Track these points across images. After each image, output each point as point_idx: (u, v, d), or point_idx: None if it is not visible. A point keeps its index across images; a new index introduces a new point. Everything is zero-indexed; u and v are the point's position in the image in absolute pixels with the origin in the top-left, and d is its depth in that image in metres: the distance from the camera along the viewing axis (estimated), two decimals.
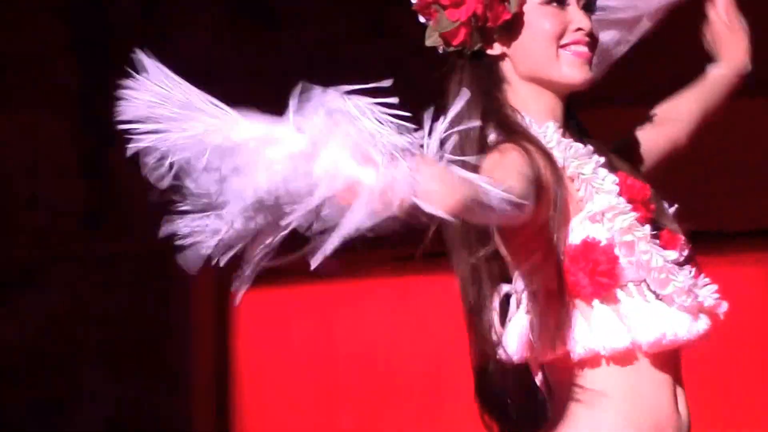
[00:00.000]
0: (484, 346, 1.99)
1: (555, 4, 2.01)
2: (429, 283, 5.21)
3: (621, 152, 2.14)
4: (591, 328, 1.94)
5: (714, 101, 2.29)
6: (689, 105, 2.29)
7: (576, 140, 2.03)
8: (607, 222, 1.96)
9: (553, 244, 1.92)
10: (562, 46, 2.01)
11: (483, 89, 1.99)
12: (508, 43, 2.02)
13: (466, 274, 1.99)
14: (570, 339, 1.94)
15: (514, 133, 1.95)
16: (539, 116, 2.02)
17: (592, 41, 2.04)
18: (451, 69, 2.02)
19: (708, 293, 2.01)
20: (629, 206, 1.97)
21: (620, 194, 1.98)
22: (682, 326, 1.96)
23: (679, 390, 2.03)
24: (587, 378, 1.96)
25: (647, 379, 1.97)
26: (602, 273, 1.94)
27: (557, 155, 1.97)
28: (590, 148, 2.02)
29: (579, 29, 2.01)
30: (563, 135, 2.02)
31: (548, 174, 1.91)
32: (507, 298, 2.01)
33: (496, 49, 2.02)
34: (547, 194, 1.89)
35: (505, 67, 2.03)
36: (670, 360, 2.00)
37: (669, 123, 2.27)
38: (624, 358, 1.95)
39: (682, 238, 2.05)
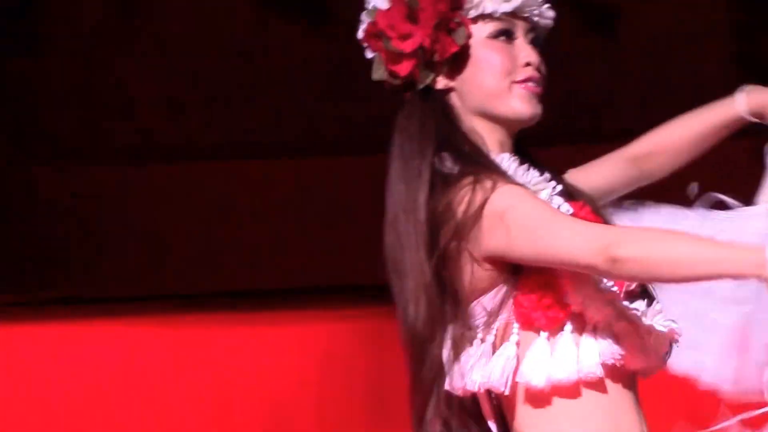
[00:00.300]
0: (431, 375, 1.98)
1: (503, 38, 2.00)
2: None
3: (578, 182, 2.14)
4: (547, 358, 1.94)
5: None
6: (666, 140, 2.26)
7: (531, 169, 2.02)
8: None
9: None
10: (516, 82, 2.00)
11: (436, 123, 1.98)
12: (457, 77, 2.00)
13: (416, 302, 1.96)
14: (527, 370, 1.95)
15: (479, 164, 1.95)
16: (491, 150, 2.01)
17: (541, 76, 2.02)
18: (400, 104, 2.01)
19: (661, 321, 2.01)
20: None
21: None
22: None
23: (639, 410, 2.04)
24: (553, 406, 1.97)
25: (612, 401, 1.98)
26: (553, 305, 1.95)
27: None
28: (547, 175, 2.02)
29: (528, 64, 2.00)
30: (519, 164, 2.01)
31: None
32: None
33: (444, 83, 2.00)
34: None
35: (454, 101, 2.01)
36: (629, 382, 2.02)
37: (655, 156, 2.25)
38: (583, 384, 1.96)
39: None
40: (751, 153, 2.40)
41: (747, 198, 2.27)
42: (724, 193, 2.26)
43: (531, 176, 2.00)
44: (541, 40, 2.05)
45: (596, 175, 2.22)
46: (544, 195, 1.98)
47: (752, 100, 2.19)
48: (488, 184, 1.89)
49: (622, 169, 2.24)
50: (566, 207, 1.99)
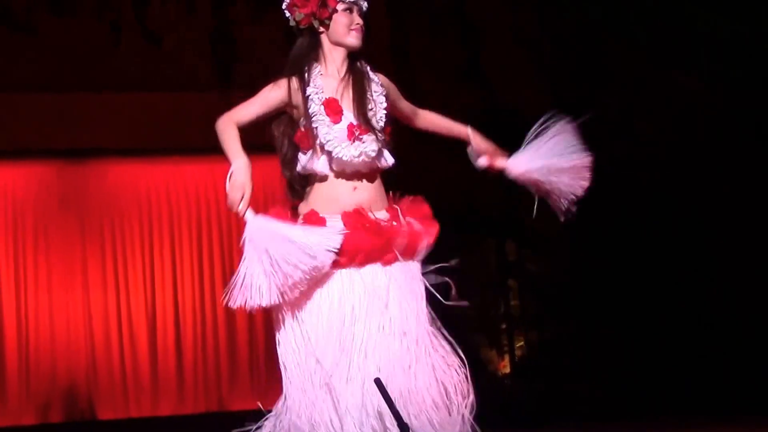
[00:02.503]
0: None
1: (348, 12, 4.33)
2: None
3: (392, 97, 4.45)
4: None
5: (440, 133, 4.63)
6: (435, 122, 4.61)
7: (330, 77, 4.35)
8: None
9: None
10: (351, 29, 4.32)
11: (312, 43, 4.36)
12: (327, 26, 4.33)
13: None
14: None
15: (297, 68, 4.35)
16: (336, 59, 4.36)
17: (363, 28, 4.33)
18: (299, 36, 4.39)
19: None
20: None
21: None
22: None
23: None
24: None
25: None
26: None
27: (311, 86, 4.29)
28: (338, 78, 4.35)
29: (357, 23, 4.33)
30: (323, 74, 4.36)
31: (296, 98, 4.28)
32: None
33: (321, 29, 4.34)
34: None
35: (323, 37, 4.35)
36: None
37: (417, 116, 4.56)
38: None
39: None
40: None
41: None
42: None
43: (315, 85, 4.28)
44: (363, 11, 4.39)
45: (402, 103, 4.50)
46: (314, 97, 4.25)
47: (474, 139, 4.55)
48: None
49: (409, 111, 4.54)
50: (318, 103, 4.25)
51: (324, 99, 4.22)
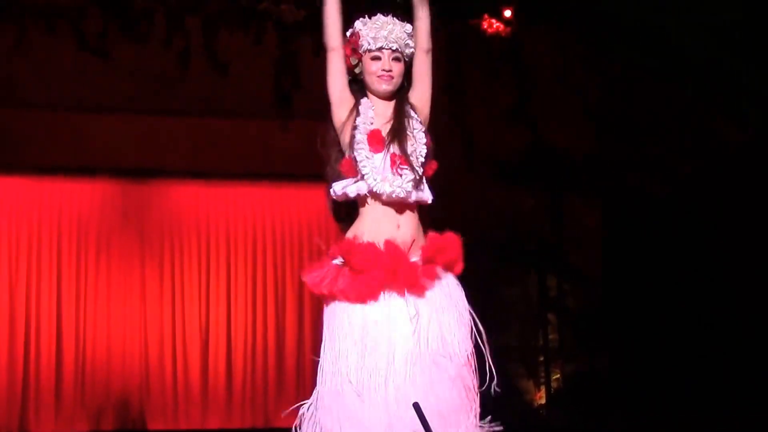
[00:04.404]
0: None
1: (375, 59, 4.46)
2: None
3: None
4: None
5: None
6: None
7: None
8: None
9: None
10: (378, 76, 4.46)
11: (360, 87, 4.53)
12: (361, 73, 4.51)
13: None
14: None
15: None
16: (377, 99, 4.49)
17: (391, 75, 4.47)
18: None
19: None
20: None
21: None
22: None
23: None
24: None
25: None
26: None
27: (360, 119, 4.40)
28: (381, 118, 4.44)
29: (384, 70, 4.45)
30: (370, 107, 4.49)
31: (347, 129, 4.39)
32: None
33: (361, 75, 4.52)
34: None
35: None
36: None
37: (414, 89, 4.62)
38: None
39: None
40: None
41: None
42: None
43: (364, 118, 4.40)
44: (399, 54, 4.50)
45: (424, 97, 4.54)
46: (361, 124, 4.39)
47: None
48: None
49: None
50: (363, 132, 4.37)
51: (369, 130, 4.35)
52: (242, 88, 10.29)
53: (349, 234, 4.34)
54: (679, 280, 10.16)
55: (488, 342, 4.31)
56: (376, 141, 4.33)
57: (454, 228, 4.39)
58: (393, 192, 4.27)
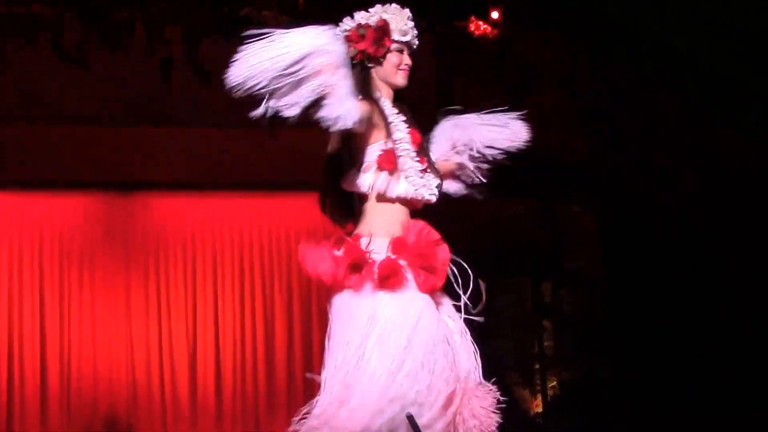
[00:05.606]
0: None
1: (399, 52, 4.44)
2: None
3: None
4: None
5: None
6: None
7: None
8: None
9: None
10: (399, 69, 4.45)
11: (365, 77, 4.40)
12: (379, 64, 4.45)
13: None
14: None
15: (371, 96, 4.34)
16: (384, 94, 4.43)
17: (409, 68, 4.47)
18: (355, 67, 4.33)
19: None
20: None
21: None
22: None
23: None
24: None
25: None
26: None
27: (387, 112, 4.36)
28: (403, 118, 4.42)
29: (407, 64, 4.46)
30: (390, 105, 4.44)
31: (378, 118, 4.30)
32: None
33: (371, 64, 4.44)
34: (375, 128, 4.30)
35: (374, 72, 4.46)
36: None
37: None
38: None
39: None
40: None
41: None
42: None
43: (391, 112, 4.37)
44: (411, 48, 4.50)
45: None
46: (398, 123, 4.38)
47: None
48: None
49: None
50: (404, 130, 4.39)
51: (409, 128, 4.39)
52: (226, 97, 10.17)
53: (363, 231, 4.29)
54: (680, 285, 10.11)
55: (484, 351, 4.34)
56: (415, 140, 4.40)
57: (446, 233, 4.37)
58: (431, 196, 4.39)
